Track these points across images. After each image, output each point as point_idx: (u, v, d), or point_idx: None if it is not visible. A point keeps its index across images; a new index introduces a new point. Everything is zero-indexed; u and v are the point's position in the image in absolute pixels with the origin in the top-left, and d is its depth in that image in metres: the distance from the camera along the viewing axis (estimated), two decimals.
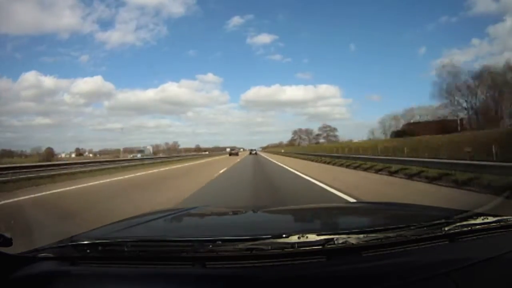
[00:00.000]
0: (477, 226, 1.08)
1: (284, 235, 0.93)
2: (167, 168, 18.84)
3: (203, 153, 69.98)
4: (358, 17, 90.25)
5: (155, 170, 16.70)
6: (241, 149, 72.32)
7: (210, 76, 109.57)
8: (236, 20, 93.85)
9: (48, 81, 75.90)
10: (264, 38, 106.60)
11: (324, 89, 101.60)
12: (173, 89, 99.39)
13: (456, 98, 34.63)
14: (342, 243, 0.92)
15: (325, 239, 0.92)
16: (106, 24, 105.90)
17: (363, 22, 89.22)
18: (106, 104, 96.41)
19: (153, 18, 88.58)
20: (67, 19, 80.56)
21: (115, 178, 12.18)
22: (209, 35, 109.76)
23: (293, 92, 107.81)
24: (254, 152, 55.93)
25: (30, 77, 73.93)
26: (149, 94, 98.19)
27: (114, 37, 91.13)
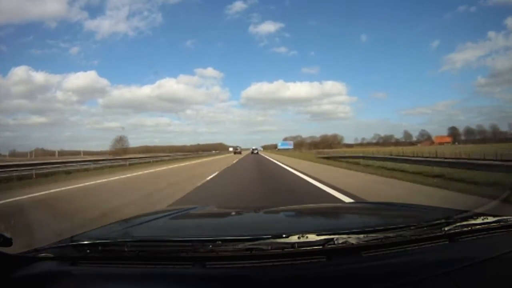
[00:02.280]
0: (477, 226, 1.08)
1: (284, 235, 0.93)
2: None
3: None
4: (371, 5, 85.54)
5: None
6: (233, 148, 72.99)
7: (210, 71, 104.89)
8: (239, 5, 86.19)
9: (40, 77, 72.63)
10: (269, 27, 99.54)
11: (330, 85, 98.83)
12: (171, 85, 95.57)
13: None
14: (342, 243, 0.92)
15: (325, 239, 0.92)
16: (95, 10, 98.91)
17: (375, 10, 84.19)
18: (101, 101, 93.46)
19: (146, 3, 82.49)
20: (52, 4, 75.03)
21: None
22: (208, 22, 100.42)
23: (297, 88, 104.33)
24: (256, 152, 58.56)
25: (20, 72, 70.43)
26: (146, 91, 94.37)
27: (105, 25, 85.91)
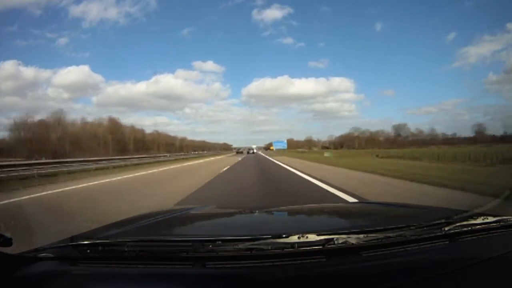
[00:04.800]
0: (477, 226, 1.08)
1: (284, 235, 0.93)
2: None
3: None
4: None
5: None
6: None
7: (210, 64, 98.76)
8: None
9: (30, 72, 66.67)
10: (275, 13, 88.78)
11: (338, 82, 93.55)
12: (168, 81, 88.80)
13: None
14: (342, 243, 0.92)
15: (325, 239, 0.92)
16: None
17: None
18: (96, 99, 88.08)
19: None
20: None
21: None
22: (207, 6, 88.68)
23: (302, 85, 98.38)
24: (251, 152, 58.13)
25: (8, 67, 64.80)
26: (142, 88, 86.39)
27: (93, 11, 77.97)
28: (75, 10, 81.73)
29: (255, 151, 66.05)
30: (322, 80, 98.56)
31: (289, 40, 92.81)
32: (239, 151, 64.83)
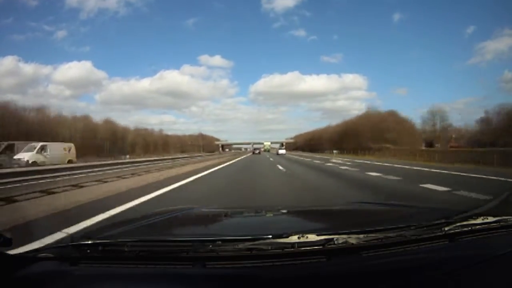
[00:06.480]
0: (477, 226, 1.08)
1: (284, 235, 0.93)
2: None
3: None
4: None
5: None
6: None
7: (217, 59, 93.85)
8: None
9: (35, 70, 62.98)
10: (286, 1, 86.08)
11: (351, 78, 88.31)
12: (174, 77, 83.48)
13: None
14: (342, 243, 0.92)
15: (325, 239, 0.92)
16: None
17: None
18: (99, 97, 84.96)
19: None
20: None
21: None
22: None
23: (313, 81, 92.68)
24: (257, 152, 55.39)
25: (7, 62, 62.06)
26: (146, 85, 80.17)
27: (91, 1, 75.81)
28: (72, 1, 79.12)
29: (281, 151, 54.07)
30: (334, 76, 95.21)
31: (301, 33, 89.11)
32: (255, 152, 57.83)
